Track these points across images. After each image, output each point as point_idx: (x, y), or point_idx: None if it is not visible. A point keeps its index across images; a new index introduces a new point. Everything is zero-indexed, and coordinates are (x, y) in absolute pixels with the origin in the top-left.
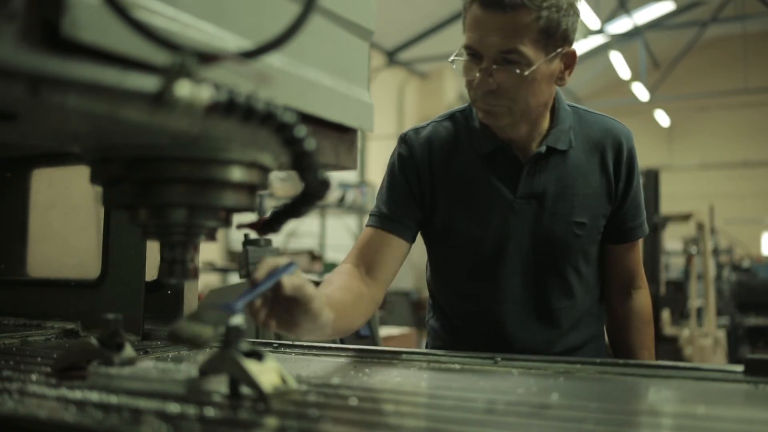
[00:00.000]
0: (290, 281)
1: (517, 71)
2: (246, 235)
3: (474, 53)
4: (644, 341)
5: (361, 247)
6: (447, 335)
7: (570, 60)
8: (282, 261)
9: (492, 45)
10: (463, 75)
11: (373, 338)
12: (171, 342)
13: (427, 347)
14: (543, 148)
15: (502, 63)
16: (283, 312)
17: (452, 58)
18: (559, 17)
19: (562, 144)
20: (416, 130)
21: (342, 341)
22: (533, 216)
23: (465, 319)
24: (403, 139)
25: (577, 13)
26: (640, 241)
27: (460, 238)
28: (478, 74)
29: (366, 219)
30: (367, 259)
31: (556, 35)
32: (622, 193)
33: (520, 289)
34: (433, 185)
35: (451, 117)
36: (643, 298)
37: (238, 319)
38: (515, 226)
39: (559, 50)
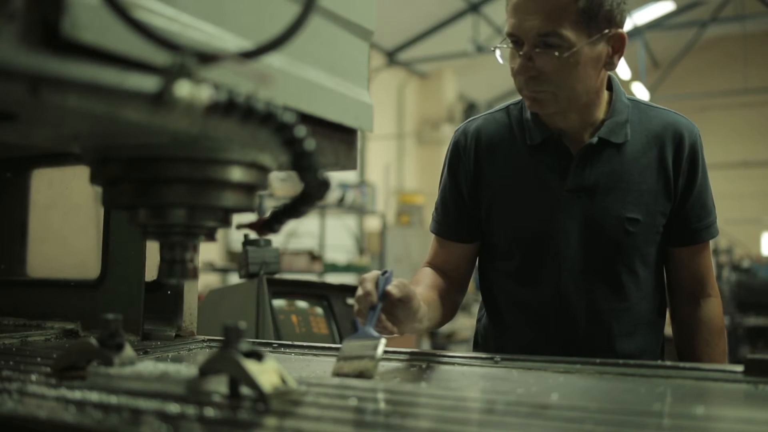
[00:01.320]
0: (396, 288)
1: (557, 54)
2: (246, 236)
3: (516, 40)
4: (713, 354)
5: (432, 253)
6: (496, 334)
7: (619, 43)
8: (377, 273)
9: (530, 29)
10: (509, 64)
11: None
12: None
13: (475, 347)
14: (595, 140)
15: (542, 47)
16: (389, 314)
17: (496, 45)
18: None
19: (617, 137)
20: (468, 123)
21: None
22: (582, 210)
23: (511, 316)
24: (455, 135)
25: None
26: (710, 245)
27: (506, 230)
28: (519, 60)
29: (366, 219)
30: (438, 264)
31: (599, 16)
32: (683, 191)
33: (568, 287)
34: (478, 179)
35: (506, 108)
36: (713, 308)
37: (383, 342)
38: (563, 220)
39: (604, 32)
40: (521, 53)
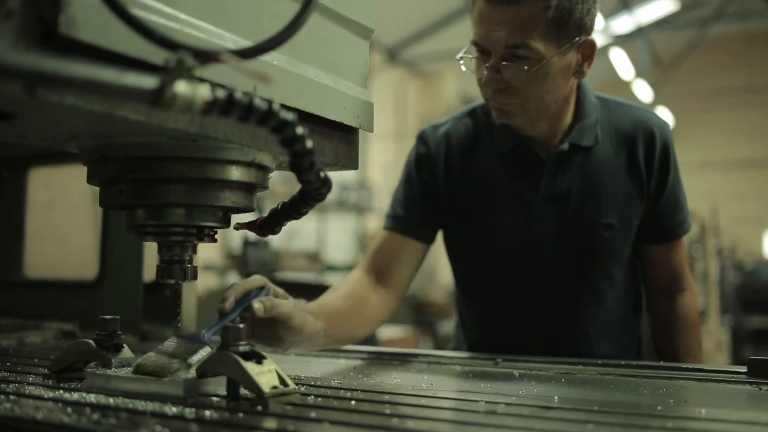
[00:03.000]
0: (261, 305)
1: (525, 68)
2: (245, 236)
3: (482, 49)
4: (690, 347)
5: (375, 252)
6: (474, 341)
7: (588, 50)
8: (253, 284)
9: (498, 40)
10: (475, 74)
11: (371, 339)
12: (137, 374)
13: (455, 346)
14: (566, 146)
15: (510, 59)
16: (265, 330)
17: (460, 55)
18: (572, 5)
19: (587, 140)
20: (435, 127)
21: None
22: (557, 218)
23: (488, 325)
24: (421, 137)
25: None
26: (684, 240)
27: (479, 241)
28: (486, 71)
29: (366, 219)
30: (380, 264)
31: (569, 25)
32: (656, 190)
33: (544, 295)
34: (451, 185)
35: (472, 113)
36: (688, 301)
37: (206, 351)
38: (538, 229)
39: (574, 40)
40: (488, 65)
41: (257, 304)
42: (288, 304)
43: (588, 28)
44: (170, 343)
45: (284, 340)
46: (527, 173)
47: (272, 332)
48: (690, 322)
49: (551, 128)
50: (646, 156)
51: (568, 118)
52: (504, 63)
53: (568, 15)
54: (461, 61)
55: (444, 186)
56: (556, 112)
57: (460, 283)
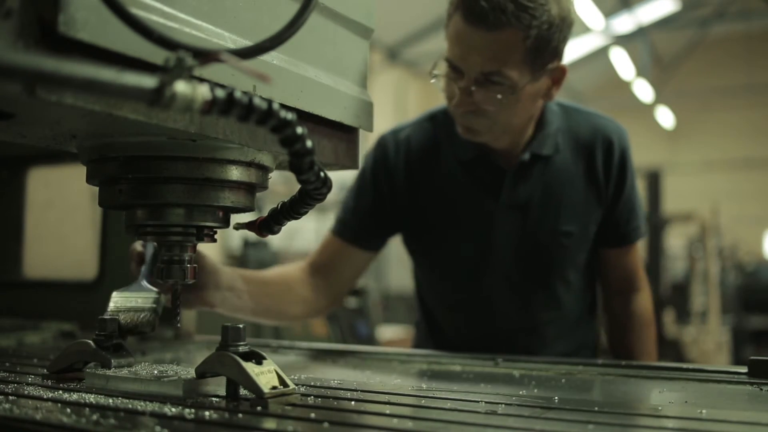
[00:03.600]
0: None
1: (499, 96)
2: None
3: (454, 67)
4: (645, 345)
5: (318, 252)
6: (434, 344)
7: (559, 75)
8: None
9: (474, 64)
10: (444, 91)
11: (371, 339)
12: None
13: (414, 346)
14: (527, 156)
15: (483, 83)
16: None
17: (432, 72)
18: (549, 34)
19: (548, 149)
20: (394, 133)
21: (344, 340)
22: (517, 226)
23: (449, 327)
24: (380, 143)
25: (569, 25)
26: (639, 243)
27: (440, 249)
28: (458, 91)
29: None
30: (321, 265)
31: (545, 53)
32: (613, 196)
33: (504, 302)
34: (410, 192)
35: (432, 117)
36: (643, 301)
37: (160, 298)
38: (498, 238)
39: (547, 67)
40: (460, 86)
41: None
42: (209, 260)
43: (561, 54)
44: (121, 298)
45: (200, 288)
46: (488, 182)
47: (197, 288)
48: (645, 321)
49: (514, 141)
50: (605, 163)
51: (531, 129)
52: (475, 87)
53: (545, 44)
54: (433, 80)
55: (403, 192)
56: (520, 129)
57: (420, 285)
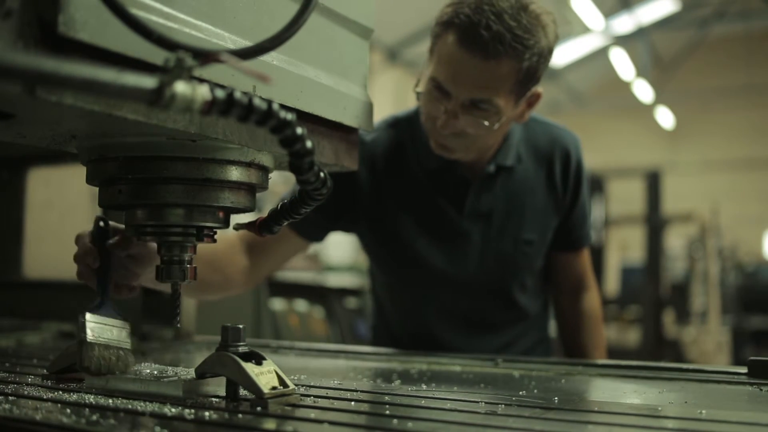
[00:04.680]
0: (115, 240)
1: (485, 123)
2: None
3: (441, 88)
4: (596, 341)
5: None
6: (391, 343)
7: (534, 99)
8: (86, 232)
9: (465, 90)
10: (424, 107)
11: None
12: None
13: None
14: (492, 168)
15: (470, 108)
16: (123, 270)
17: (418, 89)
18: (538, 65)
19: (510, 160)
20: (361, 134)
21: (344, 341)
22: (480, 236)
23: (405, 332)
24: None
25: (551, 54)
26: (587, 248)
27: (403, 255)
28: (442, 112)
29: None
30: (255, 242)
31: (531, 82)
32: (570, 204)
33: (464, 307)
34: (376, 197)
35: (395, 124)
36: (592, 300)
37: (125, 328)
38: (461, 246)
39: (527, 93)
40: (446, 108)
41: (114, 241)
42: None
43: (540, 80)
44: (95, 327)
45: (138, 275)
46: (452, 192)
47: (125, 268)
48: (594, 319)
49: (480, 155)
50: (563, 173)
51: (496, 144)
52: (462, 110)
53: (533, 73)
54: (417, 97)
55: (366, 198)
56: (489, 147)
57: (379, 289)
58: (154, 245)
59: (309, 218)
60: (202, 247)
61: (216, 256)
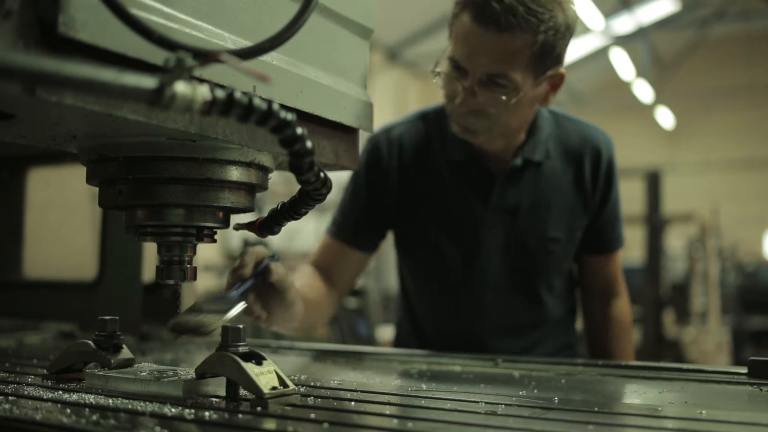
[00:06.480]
0: (277, 268)
1: (503, 98)
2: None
3: (458, 67)
4: (624, 349)
5: (318, 254)
6: (416, 339)
7: (558, 81)
8: (265, 253)
9: (480, 65)
10: (443, 86)
11: (371, 339)
12: (174, 334)
13: (395, 346)
14: (519, 161)
15: (488, 85)
16: (261, 299)
17: (435, 69)
18: (555, 40)
19: (539, 155)
20: (386, 131)
21: (344, 341)
22: (505, 230)
23: (431, 327)
24: (372, 142)
25: (572, 33)
26: (619, 252)
27: (428, 249)
28: (460, 91)
29: None
30: (323, 267)
31: (549, 59)
32: (599, 205)
33: (488, 304)
34: (403, 191)
35: (424, 117)
36: (622, 306)
37: (239, 307)
38: (486, 240)
39: (548, 73)
40: (464, 86)
41: (274, 266)
42: (291, 278)
43: (562, 61)
44: (200, 305)
45: (274, 314)
46: (478, 185)
47: (265, 302)
48: (623, 326)
49: (507, 145)
50: (593, 172)
51: (523, 135)
52: (479, 87)
53: (550, 49)
54: (435, 79)
55: (396, 191)
56: (515, 132)
57: (405, 284)
58: (297, 294)
59: (359, 229)
60: (308, 298)
61: (310, 304)
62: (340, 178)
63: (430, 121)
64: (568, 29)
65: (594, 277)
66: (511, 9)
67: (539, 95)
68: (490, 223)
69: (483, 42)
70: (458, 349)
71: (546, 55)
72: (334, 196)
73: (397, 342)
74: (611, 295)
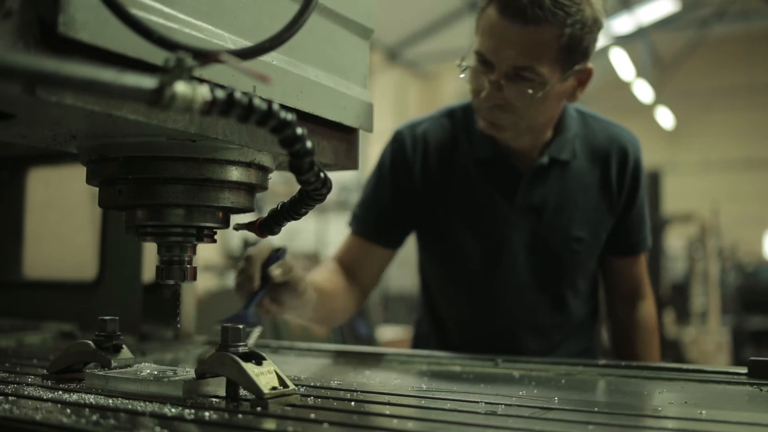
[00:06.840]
0: (280, 270)
1: (530, 91)
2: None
3: (485, 60)
4: (650, 352)
5: (342, 252)
6: (436, 337)
7: (585, 77)
8: (268, 249)
9: (507, 59)
10: (470, 81)
11: (371, 339)
12: (200, 373)
13: (414, 344)
14: (545, 159)
15: (514, 78)
16: (274, 294)
17: (461, 63)
18: (582, 33)
19: (566, 154)
20: (412, 127)
21: (344, 341)
22: (530, 229)
23: (452, 325)
24: (398, 137)
25: (600, 28)
26: (644, 254)
27: (452, 246)
28: (487, 85)
29: None
30: (346, 264)
31: (576, 53)
32: (625, 206)
33: (511, 303)
34: (427, 187)
35: (450, 114)
36: (648, 309)
37: (256, 333)
38: (510, 239)
39: (576, 68)
40: (491, 79)
41: (276, 270)
42: (299, 270)
43: (589, 56)
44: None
45: (287, 306)
46: (504, 183)
47: (276, 297)
48: (649, 329)
49: (533, 142)
50: (619, 173)
51: (550, 132)
52: (505, 81)
53: (577, 43)
54: (462, 74)
55: (419, 188)
56: (541, 129)
57: (427, 282)
58: (308, 283)
59: (383, 225)
60: (325, 290)
61: (326, 296)
62: (340, 178)
63: (457, 118)
64: (596, 23)
65: (620, 279)
66: (538, 1)
67: (566, 90)
68: (515, 221)
69: (509, 34)
70: (479, 348)
71: (573, 49)
72: (335, 196)
73: (416, 341)
74: (637, 298)
